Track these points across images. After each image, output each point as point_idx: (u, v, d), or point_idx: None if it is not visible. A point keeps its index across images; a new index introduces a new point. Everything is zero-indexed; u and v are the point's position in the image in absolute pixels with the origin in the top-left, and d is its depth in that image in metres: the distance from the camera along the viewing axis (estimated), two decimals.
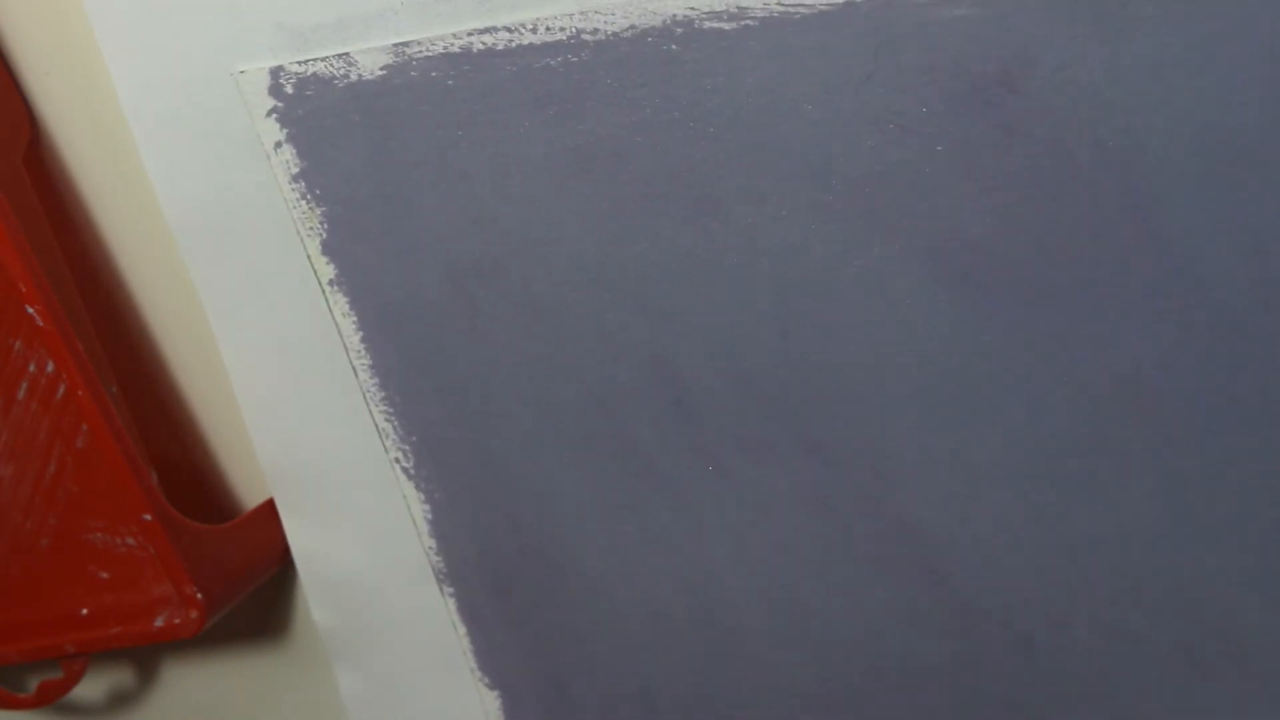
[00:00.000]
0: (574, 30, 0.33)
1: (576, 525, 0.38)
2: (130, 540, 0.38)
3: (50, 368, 0.37)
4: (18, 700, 0.42)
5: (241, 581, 0.40)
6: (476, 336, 0.37)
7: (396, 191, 0.35)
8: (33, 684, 0.45)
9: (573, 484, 0.38)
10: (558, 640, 0.40)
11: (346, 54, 0.34)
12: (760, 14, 0.31)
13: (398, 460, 0.39)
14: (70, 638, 0.40)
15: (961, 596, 0.36)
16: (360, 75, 0.34)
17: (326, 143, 0.35)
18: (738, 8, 0.32)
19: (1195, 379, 0.32)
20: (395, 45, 0.34)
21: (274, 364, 0.38)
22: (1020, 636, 0.36)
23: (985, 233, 0.32)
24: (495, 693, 0.41)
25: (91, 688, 0.47)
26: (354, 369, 0.38)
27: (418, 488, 0.39)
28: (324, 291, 0.37)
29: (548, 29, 0.33)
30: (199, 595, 0.38)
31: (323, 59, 0.34)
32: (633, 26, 0.32)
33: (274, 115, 0.35)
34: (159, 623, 0.39)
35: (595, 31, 0.33)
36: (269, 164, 0.36)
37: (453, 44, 0.33)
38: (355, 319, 0.37)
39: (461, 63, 0.34)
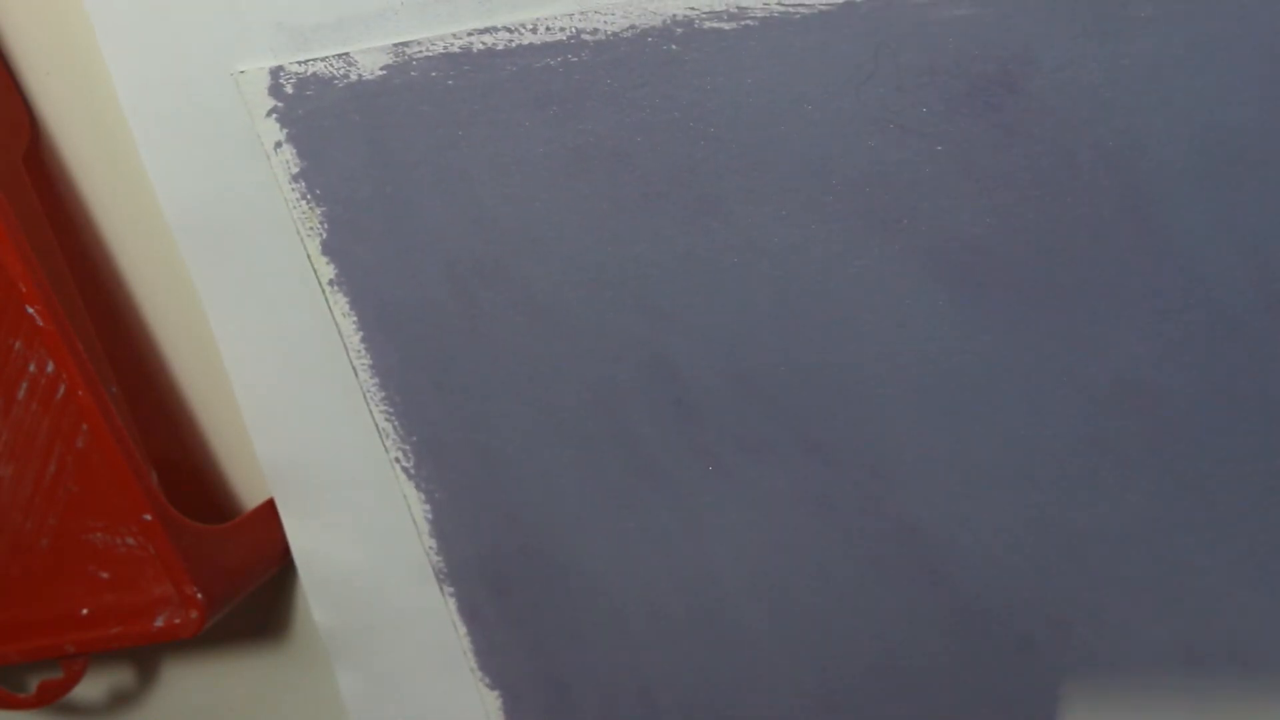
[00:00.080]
0: (574, 30, 0.33)
1: (577, 525, 0.38)
2: (130, 540, 0.38)
3: (50, 368, 0.37)
4: (18, 700, 0.42)
5: (241, 581, 0.40)
6: (476, 336, 0.37)
7: (396, 191, 0.35)
8: (33, 684, 0.45)
9: (573, 484, 0.38)
10: (558, 640, 0.40)
11: (346, 54, 0.34)
12: (760, 14, 0.31)
13: (398, 460, 0.39)
14: (70, 638, 0.40)
15: (961, 597, 0.36)
16: (360, 75, 0.34)
17: (326, 143, 0.35)
18: (738, 8, 0.32)
19: (1195, 379, 0.32)
20: (395, 45, 0.34)
21: (274, 364, 0.38)
22: (1020, 636, 0.36)
23: (985, 233, 0.32)
24: (495, 692, 0.41)
25: (91, 688, 0.47)
26: (354, 369, 0.38)
27: (418, 488, 0.39)
28: (324, 291, 0.37)
29: (548, 29, 0.33)
30: (199, 595, 0.38)
31: (323, 59, 0.34)
32: (633, 26, 0.32)
33: (274, 115, 0.35)
34: (159, 623, 0.39)
35: (595, 31, 0.32)
36: (269, 164, 0.36)
37: (453, 44, 0.33)
38: (355, 319, 0.37)
39: (461, 63, 0.34)
